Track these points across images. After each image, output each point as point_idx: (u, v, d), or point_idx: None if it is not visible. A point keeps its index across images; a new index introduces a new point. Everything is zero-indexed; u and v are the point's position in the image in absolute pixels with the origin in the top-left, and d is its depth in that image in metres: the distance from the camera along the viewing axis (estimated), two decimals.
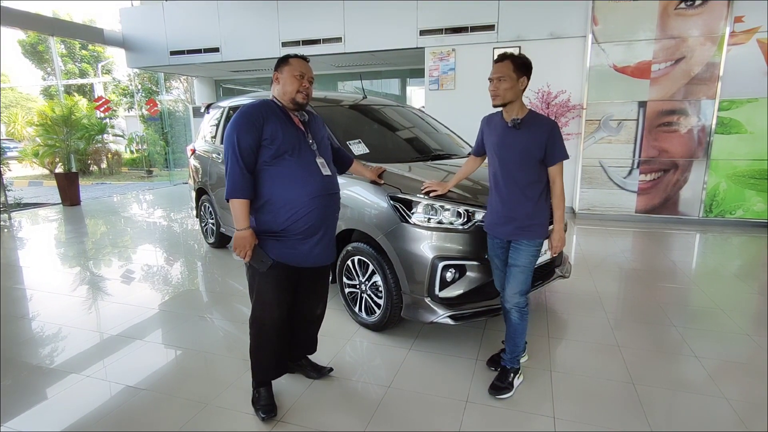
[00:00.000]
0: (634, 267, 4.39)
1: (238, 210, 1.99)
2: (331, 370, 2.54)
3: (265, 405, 2.17)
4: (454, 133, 4.19)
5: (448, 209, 2.62)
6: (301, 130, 2.11)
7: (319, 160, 2.12)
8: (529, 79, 2.19)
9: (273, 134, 1.99)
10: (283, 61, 2.11)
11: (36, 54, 22.44)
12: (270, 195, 2.03)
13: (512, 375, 2.34)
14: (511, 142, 2.21)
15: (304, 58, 2.12)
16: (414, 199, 2.67)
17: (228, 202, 2.02)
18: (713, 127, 5.86)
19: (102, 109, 9.98)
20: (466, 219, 2.61)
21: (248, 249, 2.03)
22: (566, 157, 2.20)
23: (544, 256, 2.89)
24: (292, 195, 2.03)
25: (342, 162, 2.57)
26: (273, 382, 2.28)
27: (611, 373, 2.51)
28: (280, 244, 2.07)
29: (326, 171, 2.13)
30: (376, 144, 3.37)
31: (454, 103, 7.06)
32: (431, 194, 2.64)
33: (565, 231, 3.31)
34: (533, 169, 2.20)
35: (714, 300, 3.53)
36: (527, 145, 2.17)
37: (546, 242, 2.86)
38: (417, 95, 9.69)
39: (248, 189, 1.99)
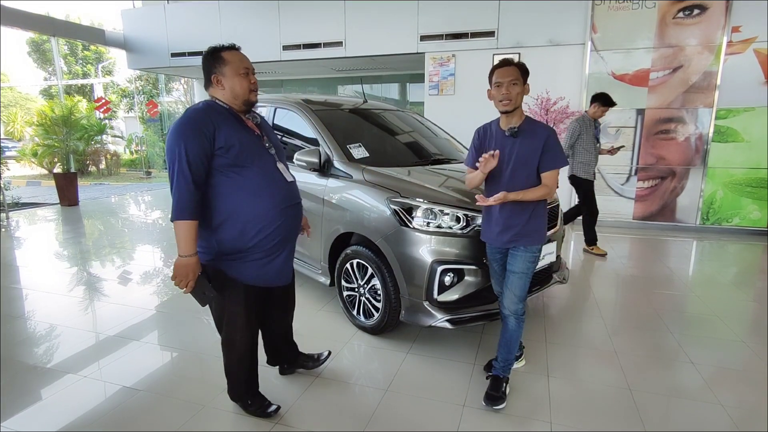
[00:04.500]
0: (631, 273, 4.41)
1: (185, 233, 1.73)
2: (330, 354, 2.55)
3: (262, 405, 2.17)
4: (454, 138, 4.21)
5: (448, 213, 2.63)
6: (257, 134, 1.93)
7: (280, 166, 1.97)
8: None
9: (228, 142, 1.77)
10: (216, 59, 1.84)
11: (40, 53, 22.48)
12: (232, 210, 1.83)
13: (505, 384, 2.31)
14: (509, 151, 2.19)
15: (237, 49, 1.89)
16: (413, 203, 2.68)
17: (172, 222, 1.76)
18: (710, 135, 5.91)
19: (102, 110, 9.98)
20: (465, 223, 2.63)
21: (191, 279, 1.77)
22: (562, 164, 2.18)
23: (542, 262, 2.91)
24: (260, 207, 1.86)
25: None
26: (272, 379, 2.28)
27: (608, 379, 2.52)
28: (250, 266, 1.91)
29: (289, 177, 2.00)
30: (376, 148, 3.38)
31: (453, 108, 7.08)
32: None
33: (563, 238, 3.35)
34: (530, 178, 2.18)
35: (710, 307, 3.55)
36: (524, 153, 2.16)
37: (545, 247, 2.89)
38: (417, 98, 9.72)
39: (196, 207, 1.75)
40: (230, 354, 2.10)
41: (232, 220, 1.84)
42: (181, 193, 1.72)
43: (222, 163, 1.79)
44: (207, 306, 2.01)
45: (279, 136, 3.66)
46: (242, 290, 1.96)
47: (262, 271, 1.95)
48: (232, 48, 1.88)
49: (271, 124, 3.68)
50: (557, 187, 2.24)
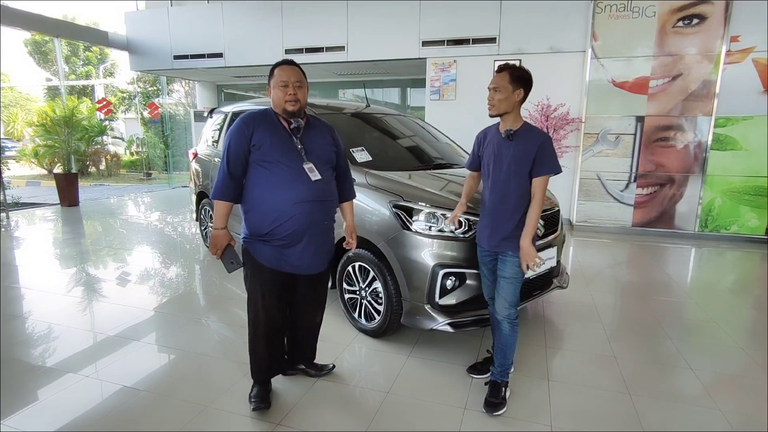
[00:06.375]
0: (630, 279, 4.43)
1: (218, 210, 2.10)
2: (333, 367, 2.59)
3: (257, 398, 2.23)
4: (455, 143, 4.24)
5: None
6: (288, 135, 2.12)
7: (307, 166, 2.09)
8: (527, 91, 2.18)
9: (260, 140, 2.05)
10: (271, 72, 2.13)
11: (41, 54, 22.53)
12: (257, 198, 2.09)
13: (504, 389, 2.32)
14: (503, 154, 2.21)
15: (289, 63, 2.12)
16: (416, 206, 2.70)
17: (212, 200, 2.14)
18: (709, 143, 5.95)
19: (104, 111, 10.01)
20: (467, 227, 2.64)
21: (219, 248, 2.11)
22: (554, 171, 2.17)
23: (543, 267, 2.92)
24: (276, 199, 2.06)
25: (340, 191, 2.37)
26: (273, 381, 2.32)
27: (607, 384, 2.53)
28: (270, 249, 2.12)
29: (315, 176, 2.10)
30: (378, 152, 3.40)
31: (454, 114, 7.12)
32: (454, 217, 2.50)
33: (563, 243, 3.37)
34: (522, 182, 2.18)
35: (709, 314, 3.56)
36: (518, 157, 2.17)
37: (545, 252, 2.91)
38: (418, 103, 9.75)
39: (230, 193, 2.08)
40: (251, 333, 2.26)
41: (256, 208, 2.11)
42: (219, 179, 2.08)
43: (254, 158, 2.07)
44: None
45: None
46: (260, 271, 2.15)
47: (279, 257, 2.13)
48: (284, 63, 2.12)
49: None
50: (544, 192, 2.20)
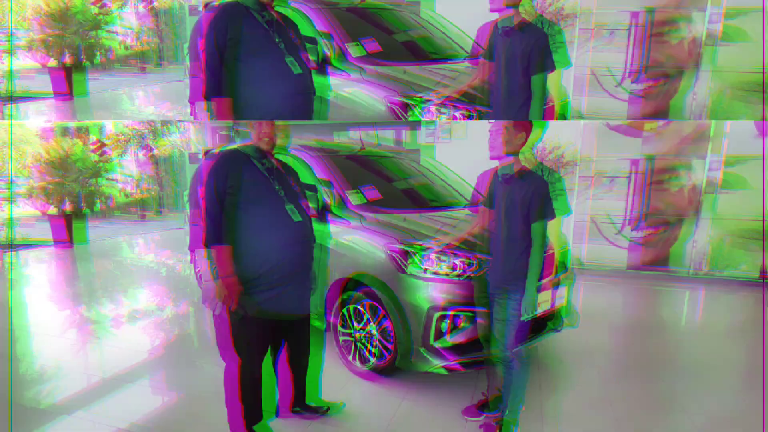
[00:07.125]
0: (625, 322, 4.43)
1: (222, 256, 1.94)
2: (328, 409, 2.52)
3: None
4: (449, 185, 4.21)
5: (445, 260, 2.69)
6: (265, 177, 2.08)
7: (288, 207, 2.09)
8: (528, 135, 2.22)
9: (234, 183, 1.96)
10: None
11: None
12: (240, 245, 2.00)
13: (512, 426, 2.30)
14: (501, 195, 2.28)
15: None
16: (410, 249, 2.74)
17: (208, 248, 1.95)
18: (704, 185, 5.99)
19: (98, 153, 10.06)
20: (462, 269, 2.68)
21: (235, 296, 1.96)
22: (549, 216, 2.18)
23: (543, 305, 2.91)
24: (263, 243, 2.01)
25: None
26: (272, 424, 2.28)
27: (602, 428, 2.50)
28: (254, 297, 2.03)
29: (296, 217, 2.10)
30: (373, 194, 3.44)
31: (464, 152, 6.87)
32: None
33: (572, 284, 3.37)
34: (517, 224, 2.21)
35: (704, 356, 3.55)
36: (513, 199, 2.21)
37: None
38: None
39: (226, 233, 1.95)
40: (231, 384, 2.16)
41: (241, 254, 1.99)
42: (213, 220, 1.93)
43: (231, 201, 1.96)
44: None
45: None
46: (245, 322, 2.05)
47: (264, 303, 2.04)
48: None
49: None
50: (542, 238, 2.21)
